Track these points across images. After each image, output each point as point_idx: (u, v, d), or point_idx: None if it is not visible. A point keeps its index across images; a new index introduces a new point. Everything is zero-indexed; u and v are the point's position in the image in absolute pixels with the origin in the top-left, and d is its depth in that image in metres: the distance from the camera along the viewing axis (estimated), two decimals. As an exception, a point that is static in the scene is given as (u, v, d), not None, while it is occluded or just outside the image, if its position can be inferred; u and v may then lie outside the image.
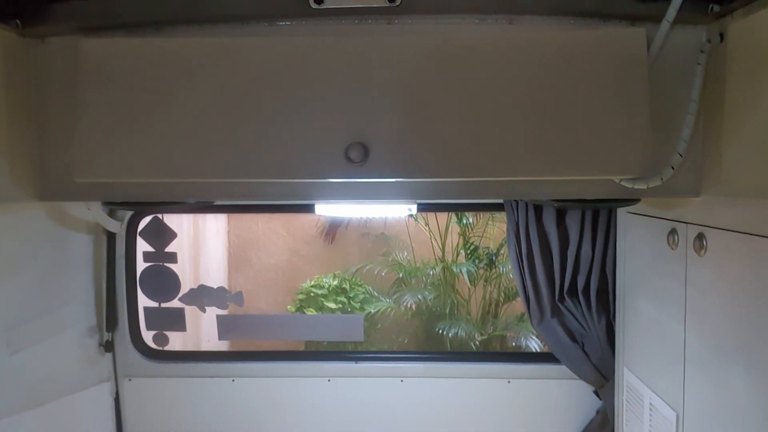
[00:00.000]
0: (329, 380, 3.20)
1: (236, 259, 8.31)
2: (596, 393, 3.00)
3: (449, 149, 1.79)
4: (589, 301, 2.87)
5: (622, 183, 1.88)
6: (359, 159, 1.75)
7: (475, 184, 1.98)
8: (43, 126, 1.95)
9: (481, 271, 7.64)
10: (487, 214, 7.35)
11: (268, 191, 2.03)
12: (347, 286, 7.89)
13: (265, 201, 2.40)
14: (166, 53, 1.82)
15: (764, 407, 1.55)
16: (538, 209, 2.80)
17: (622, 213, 2.71)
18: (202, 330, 4.83)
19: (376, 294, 7.97)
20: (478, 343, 7.32)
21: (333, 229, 8.17)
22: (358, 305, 7.83)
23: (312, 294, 7.78)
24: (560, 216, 2.81)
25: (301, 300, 7.80)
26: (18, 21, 1.85)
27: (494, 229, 7.49)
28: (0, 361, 2.33)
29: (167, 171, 1.84)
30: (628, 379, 2.64)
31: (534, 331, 6.89)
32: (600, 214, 2.79)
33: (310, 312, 7.62)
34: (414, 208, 2.28)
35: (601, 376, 2.89)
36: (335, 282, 7.90)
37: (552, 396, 3.14)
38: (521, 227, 2.83)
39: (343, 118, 1.77)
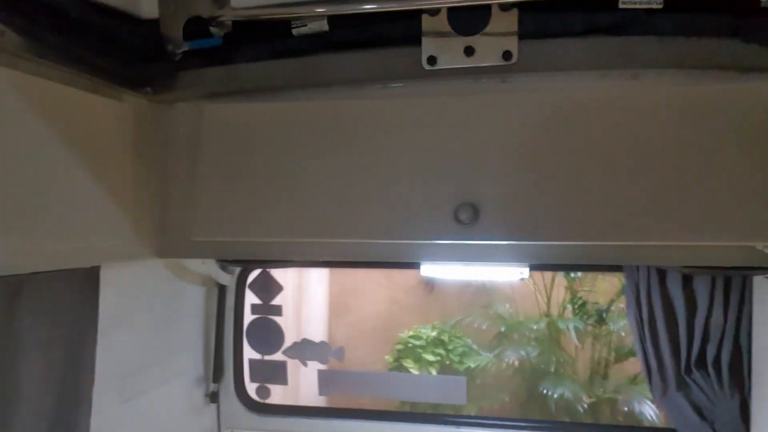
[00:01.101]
0: None
1: (336, 306, 8.39)
2: (729, 479, 2.66)
3: (566, 211, 1.70)
4: (720, 375, 2.57)
5: (766, 250, 1.69)
6: (469, 220, 1.70)
7: (593, 248, 1.85)
8: (166, 187, 2.06)
9: (590, 328, 7.20)
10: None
11: (376, 252, 2.01)
12: (446, 338, 7.70)
13: (371, 260, 2.39)
14: (283, 118, 1.88)
15: None
16: (662, 272, 2.58)
17: (759, 279, 2.44)
18: (301, 383, 4.86)
19: (475, 348, 7.71)
20: (585, 405, 6.84)
21: (433, 279, 8.08)
22: (457, 359, 7.61)
23: (410, 345, 7.66)
24: (687, 280, 2.57)
25: (399, 350, 7.70)
26: (149, 89, 1.98)
27: (605, 283, 7.08)
28: (112, 409, 2.42)
29: (280, 231, 1.88)
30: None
31: (648, 396, 6.38)
32: (733, 280, 2.53)
33: (408, 363, 7.49)
34: (526, 271, 2.18)
35: (736, 460, 2.57)
36: (434, 333, 7.74)
37: None
38: (642, 290, 2.61)
39: (454, 178, 1.74)
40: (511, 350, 7.28)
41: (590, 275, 7.14)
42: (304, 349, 3.29)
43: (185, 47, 1.82)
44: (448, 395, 3.44)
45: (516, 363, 7.42)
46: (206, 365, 3.09)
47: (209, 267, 2.87)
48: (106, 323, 2.17)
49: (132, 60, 1.86)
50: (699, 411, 2.62)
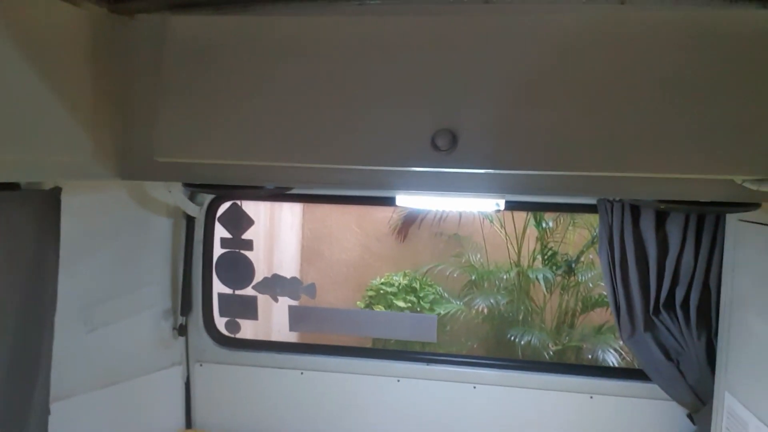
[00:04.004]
0: (399, 380, 3.11)
1: (309, 252, 8.37)
2: (690, 417, 2.77)
3: (544, 140, 1.65)
4: (689, 316, 2.62)
5: (745, 184, 1.67)
6: (446, 147, 1.64)
7: (571, 180, 1.82)
8: (127, 104, 1.95)
9: (559, 279, 7.33)
10: (568, 219, 7.04)
11: (349, 179, 1.95)
12: (417, 286, 7.78)
13: (344, 190, 2.32)
14: (253, 32, 1.77)
15: None
16: (636, 212, 2.58)
17: (732, 220, 2.45)
18: (273, 320, 4.85)
19: (446, 296, 7.81)
20: (552, 353, 7.02)
21: (405, 228, 8.08)
22: (427, 305, 7.70)
23: (381, 291, 7.71)
24: (660, 221, 2.57)
25: (370, 297, 7.76)
26: None
27: (574, 235, 7.17)
28: (77, 339, 2.37)
29: (248, 153, 1.80)
30: (729, 404, 2.40)
31: (613, 345, 6.56)
32: (705, 221, 2.54)
33: (380, 309, 7.57)
34: (502, 203, 2.15)
35: (698, 399, 2.66)
36: (405, 281, 7.80)
37: (639, 416, 2.91)
38: (615, 231, 2.61)
39: (432, 103, 1.66)
40: (480, 298, 7.39)
41: (561, 226, 7.21)
42: (275, 285, 3.25)
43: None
44: (419, 333, 3.46)
45: (485, 311, 7.55)
46: (174, 298, 3.04)
47: (176, 196, 2.78)
48: (69, 252, 2.10)
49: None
50: (666, 352, 2.68)
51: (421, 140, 1.66)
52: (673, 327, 2.66)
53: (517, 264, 7.50)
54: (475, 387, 3.06)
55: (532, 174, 1.82)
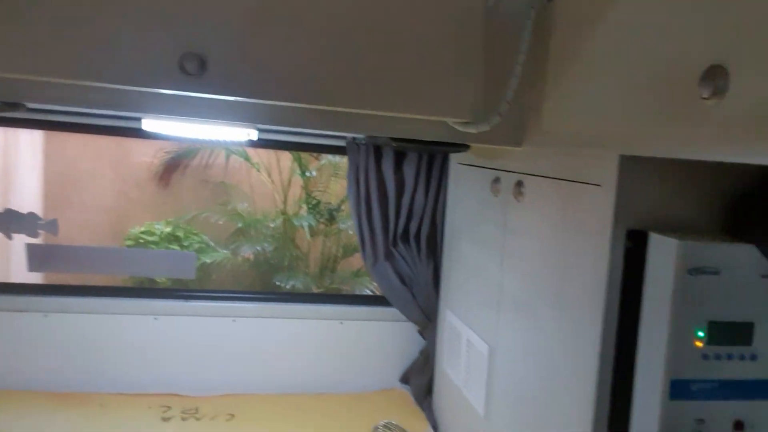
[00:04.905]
0: (156, 318, 3.06)
1: (54, 199, 7.47)
2: (421, 334, 3.20)
3: (294, 72, 1.72)
4: (420, 247, 3.03)
5: (455, 126, 1.97)
6: (195, 71, 1.63)
7: (316, 113, 1.93)
8: None
9: (322, 226, 7.71)
10: (330, 169, 7.40)
11: (92, 97, 1.84)
12: (181, 235, 7.52)
13: (88, 108, 2.15)
14: None
15: (564, 341, 1.75)
16: (378, 154, 2.88)
17: (454, 164, 2.87)
18: (12, 260, 4.32)
19: (212, 244, 7.70)
20: (314, 295, 7.43)
21: (168, 174, 7.70)
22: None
23: (141, 241, 7.30)
24: (398, 164, 2.91)
25: (129, 246, 7.30)
26: None
27: (337, 186, 7.57)
28: None
29: None
30: (449, 320, 2.84)
31: (369, 286, 7.18)
32: (434, 165, 2.94)
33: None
34: (254, 134, 2.21)
35: (426, 318, 3.09)
36: (168, 229, 7.49)
37: (382, 337, 3.30)
38: (361, 171, 2.89)
39: (181, 24, 1.63)
40: (247, 246, 7.45)
41: (325, 176, 7.55)
42: (8, 221, 2.90)
43: None
44: (177, 270, 3.40)
45: (251, 257, 7.64)
46: None
47: None
48: None
49: None
50: (402, 278, 3.07)
51: (169, 62, 1.62)
52: (407, 256, 3.05)
53: (284, 212, 7.70)
54: (234, 320, 3.16)
55: (282, 105, 1.88)
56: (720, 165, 1.38)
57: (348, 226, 7.61)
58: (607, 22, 1.56)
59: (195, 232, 7.69)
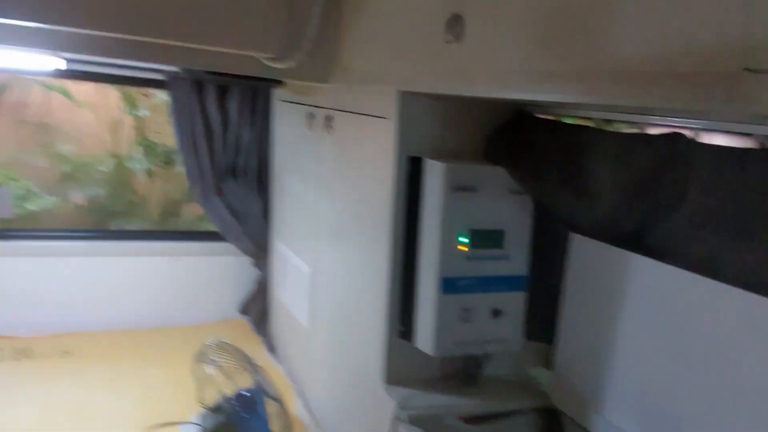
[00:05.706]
0: None
1: None
2: (256, 266, 3.33)
3: None
4: (249, 181, 3.15)
5: (265, 62, 2.10)
6: None
7: (125, 43, 1.91)
8: None
9: (160, 170, 7.42)
10: (165, 109, 7.09)
11: None
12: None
13: None
14: None
15: (363, 256, 1.99)
16: (201, 89, 2.89)
17: (276, 102, 2.99)
18: None
19: (38, 190, 7.12)
20: (157, 240, 7.23)
21: (-22, 115, 6.90)
22: (16, 202, 6.90)
23: (-53, 190, 6.56)
24: (222, 100, 2.95)
25: (-65, 196, 6.53)
26: None
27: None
28: None
29: None
30: (279, 249, 3.03)
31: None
32: (258, 102, 3.03)
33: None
34: (63, 63, 2.13)
35: (260, 250, 3.23)
36: (-19, 176, 6.78)
37: (219, 270, 3.39)
38: (184, 106, 2.90)
39: None
40: (78, 191, 7.00)
41: (160, 116, 7.22)
42: None
43: None
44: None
45: (86, 204, 7.20)
46: None
47: None
48: None
49: None
50: (233, 212, 3.15)
51: None
52: (238, 191, 3.14)
53: (115, 155, 7.28)
54: (63, 259, 3.09)
55: (91, 34, 1.85)
56: (480, 101, 1.66)
57: (189, 168, 7.41)
58: None
59: (15, 177, 7.05)
